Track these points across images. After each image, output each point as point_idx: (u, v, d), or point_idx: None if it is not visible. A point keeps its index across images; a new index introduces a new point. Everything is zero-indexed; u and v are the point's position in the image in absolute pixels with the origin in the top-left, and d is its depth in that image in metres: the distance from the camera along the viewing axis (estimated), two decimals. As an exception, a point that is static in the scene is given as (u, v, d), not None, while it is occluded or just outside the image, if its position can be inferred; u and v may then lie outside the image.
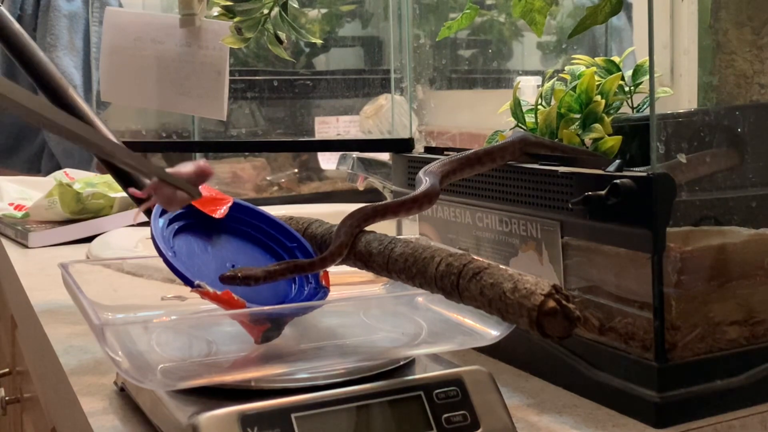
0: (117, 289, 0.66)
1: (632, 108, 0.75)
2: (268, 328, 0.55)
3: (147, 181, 0.57)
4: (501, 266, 0.49)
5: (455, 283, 0.50)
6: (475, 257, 0.51)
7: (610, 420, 0.57)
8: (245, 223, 0.65)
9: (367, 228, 0.60)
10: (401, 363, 0.55)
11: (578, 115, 0.72)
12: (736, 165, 0.62)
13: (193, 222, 0.62)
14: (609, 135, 0.70)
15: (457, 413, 0.52)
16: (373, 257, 0.56)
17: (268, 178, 1.65)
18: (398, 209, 0.61)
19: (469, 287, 0.49)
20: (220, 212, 0.63)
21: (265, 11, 0.82)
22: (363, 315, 0.63)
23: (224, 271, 0.55)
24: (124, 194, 1.33)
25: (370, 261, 0.56)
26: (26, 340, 1.05)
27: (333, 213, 0.77)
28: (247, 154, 1.65)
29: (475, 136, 1.30)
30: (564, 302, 0.46)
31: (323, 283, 0.61)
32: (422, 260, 0.52)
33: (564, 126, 0.71)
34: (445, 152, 0.78)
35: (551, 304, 0.45)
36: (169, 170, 0.56)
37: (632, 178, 0.56)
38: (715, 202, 0.61)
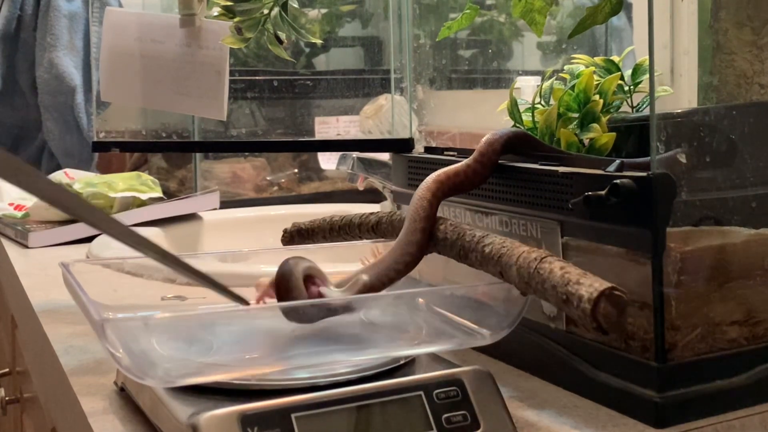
0: (117, 289, 0.66)
1: (632, 107, 0.75)
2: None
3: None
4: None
5: (539, 258, 0.54)
6: None
7: (610, 420, 0.57)
8: None
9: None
10: (401, 363, 0.55)
11: (576, 115, 0.71)
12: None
13: None
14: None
15: (457, 413, 0.52)
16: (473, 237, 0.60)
17: (268, 178, 1.65)
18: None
19: (553, 266, 0.53)
20: None
21: (265, 11, 0.81)
22: (363, 315, 0.63)
23: None
24: (124, 194, 1.33)
25: (465, 241, 0.60)
26: (26, 340, 1.05)
27: (333, 213, 0.77)
28: (247, 154, 1.65)
29: (475, 136, 1.30)
30: (624, 307, 0.50)
31: None
32: (512, 246, 0.57)
33: (562, 125, 0.71)
34: (445, 152, 0.78)
35: (618, 293, 0.49)
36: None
37: (632, 178, 0.56)
38: (715, 202, 0.61)
